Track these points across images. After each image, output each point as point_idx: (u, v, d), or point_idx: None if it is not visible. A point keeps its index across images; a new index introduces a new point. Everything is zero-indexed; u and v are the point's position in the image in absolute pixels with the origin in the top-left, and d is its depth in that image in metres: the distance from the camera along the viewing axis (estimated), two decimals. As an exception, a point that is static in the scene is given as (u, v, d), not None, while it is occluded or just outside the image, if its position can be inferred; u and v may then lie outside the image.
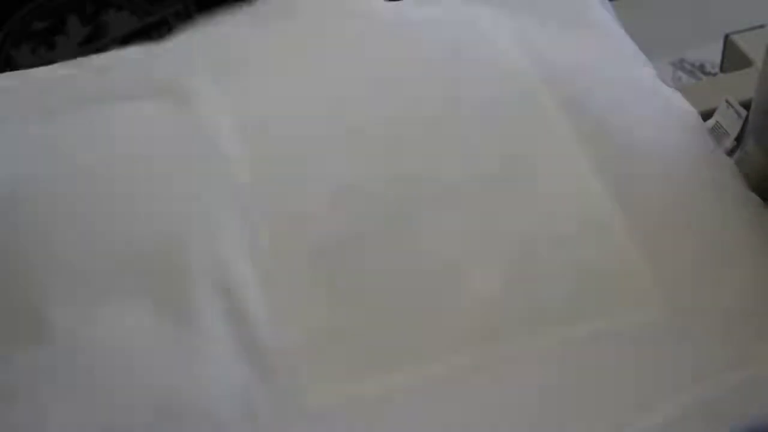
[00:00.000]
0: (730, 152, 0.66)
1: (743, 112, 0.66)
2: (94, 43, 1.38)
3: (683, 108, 0.67)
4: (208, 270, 0.57)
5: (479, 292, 0.57)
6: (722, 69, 0.84)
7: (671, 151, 0.64)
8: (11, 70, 0.77)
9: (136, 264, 0.58)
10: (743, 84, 0.73)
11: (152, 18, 1.36)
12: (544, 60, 0.69)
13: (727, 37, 0.81)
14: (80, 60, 0.71)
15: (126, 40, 1.13)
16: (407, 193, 0.60)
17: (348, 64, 0.68)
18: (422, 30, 0.71)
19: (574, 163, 0.63)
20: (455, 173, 0.62)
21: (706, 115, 0.68)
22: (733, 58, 0.81)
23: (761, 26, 0.82)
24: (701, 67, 1.09)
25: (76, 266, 0.58)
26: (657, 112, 0.66)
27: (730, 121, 0.67)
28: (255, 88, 0.66)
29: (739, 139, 0.66)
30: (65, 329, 0.56)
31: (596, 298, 0.57)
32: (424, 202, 0.60)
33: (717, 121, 0.67)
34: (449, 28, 0.71)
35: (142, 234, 0.59)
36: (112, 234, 0.59)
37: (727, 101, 0.67)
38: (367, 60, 0.69)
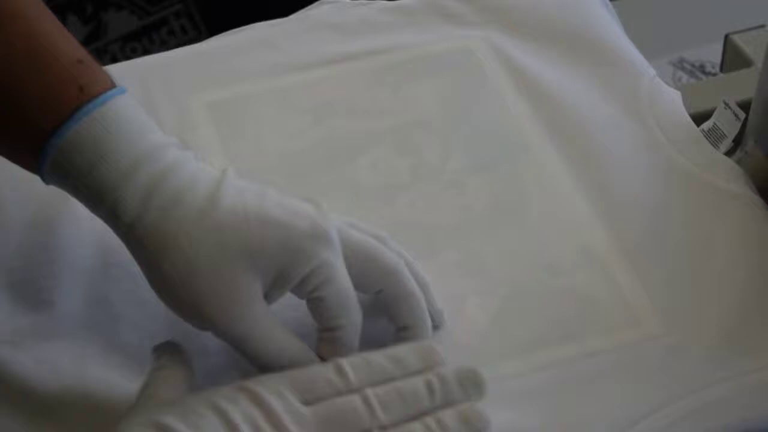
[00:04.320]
0: (728, 153, 0.66)
1: (741, 114, 0.66)
2: (94, 43, 1.38)
3: (672, 123, 0.68)
4: None
5: (476, 319, 0.58)
6: (722, 69, 0.84)
7: (657, 169, 0.65)
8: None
9: None
10: (743, 84, 0.73)
11: (152, 18, 1.36)
12: (530, 83, 0.71)
13: (727, 37, 0.81)
14: None
15: (126, 40, 1.13)
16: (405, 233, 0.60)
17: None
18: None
19: (561, 188, 0.64)
20: (451, 213, 0.63)
21: (705, 116, 0.68)
22: (733, 58, 0.81)
23: (761, 26, 0.82)
24: (701, 67, 1.09)
25: None
26: (643, 133, 0.67)
27: (728, 122, 0.67)
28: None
29: (737, 140, 0.66)
30: None
31: (589, 321, 0.57)
32: (420, 236, 0.61)
33: (715, 123, 0.67)
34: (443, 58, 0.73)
35: None
36: None
37: (725, 102, 0.67)
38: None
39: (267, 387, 0.47)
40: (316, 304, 0.52)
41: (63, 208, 0.63)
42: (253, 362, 0.52)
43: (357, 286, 0.53)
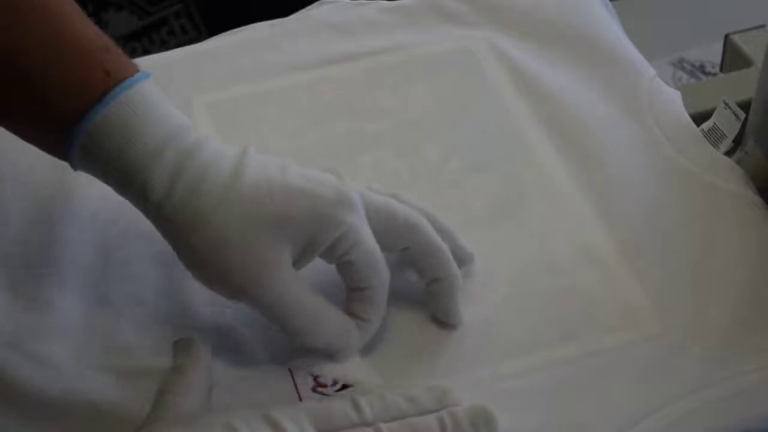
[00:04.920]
0: (728, 153, 0.66)
1: (741, 114, 0.66)
2: (94, 43, 1.38)
3: (672, 123, 0.68)
4: None
5: (476, 319, 0.57)
6: (722, 69, 0.84)
7: (657, 169, 0.65)
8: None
9: None
10: (743, 84, 0.73)
11: (152, 18, 1.36)
12: (530, 83, 0.71)
13: (727, 37, 0.81)
14: None
15: (127, 40, 1.14)
16: None
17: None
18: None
19: (561, 188, 0.64)
20: (451, 213, 0.62)
21: (705, 116, 0.68)
22: (733, 58, 0.81)
23: (761, 26, 0.82)
24: (701, 67, 1.09)
25: None
26: (643, 133, 0.67)
27: (728, 122, 0.67)
28: None
29: (737, 140, 0.66)
30: None
31: (589, 321, 0.57)
32: None
33: (715, 123, 0.67)
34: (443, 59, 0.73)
35: None
36: None
37: (725, 102, 0.67)
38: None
39: (285, 414, 0.48)
40: (345, 267, 0.54)
41: (63, 207, 0.63)
42: (286, 331, 0.54)
43: (382, 245, 0.55)
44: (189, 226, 0.52)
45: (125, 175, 0.53)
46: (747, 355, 0.55)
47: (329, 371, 0.55)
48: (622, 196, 0.63)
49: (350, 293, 0.55)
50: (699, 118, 0.68)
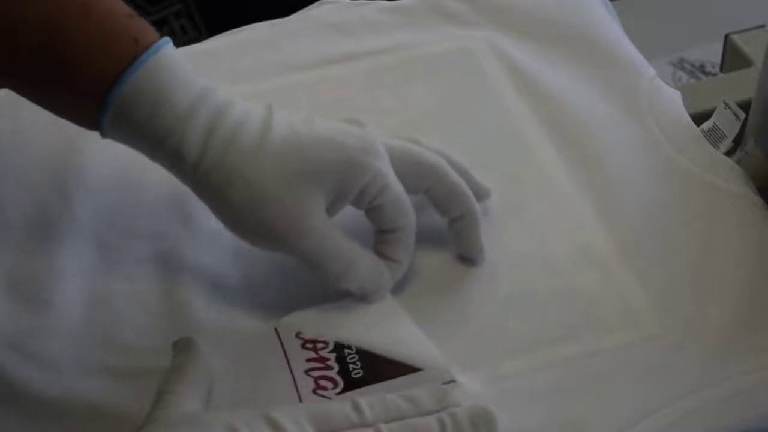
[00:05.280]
0: (728, 153, 0.66)
1: (741, 114, 0.66)
2: (94, 43, 1.38)
3: (672, 123, 0.68)
4: None
5: (479, 318, 0.58)
6: (722, 69, 0.84)
7: (657, 169, 0.65)
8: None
9: None
10: (743, 84, 0.73)
11: (152, 18, 1.36)
12: (530, 83, 0.71)
13: (727, 37, 0.81)
14: None
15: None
16: None
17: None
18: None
19: (561, 188, 0.64)
20: None
21: (705, 116, 0.68)
22: (733, 58, 0.81)
23: (761, 26, 0.82)
24: (701, 67, 1.09)
25: None
26: (643, 133, 0.67)
27: (728, 122, 0.67)
28: None
29: (737, 140, 0.66)
30: None
31: (589, 321, 0.57)
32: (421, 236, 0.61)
33: (715, 123, 0.67)
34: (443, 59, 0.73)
35: None
36: None
37: (725, 102, 0.67)
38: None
39: (285, 415, 0.48)
40: (374, 212, 0.57)
41: (63, 209, 0.63)
42: (324, 276, 0.56)
43: (406, 188, 0.57)
44: (225, 183, 0.54)
45: (158, 138, 0.54)
46: (747, 355, 0.55)
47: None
48: (622, 196, 0.63)
49: (379, 236, 0.58)
50: (699, 118, 0.68)
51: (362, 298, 0.57)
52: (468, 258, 0.60)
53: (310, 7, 0.79)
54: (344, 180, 0.55)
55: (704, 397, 0.53)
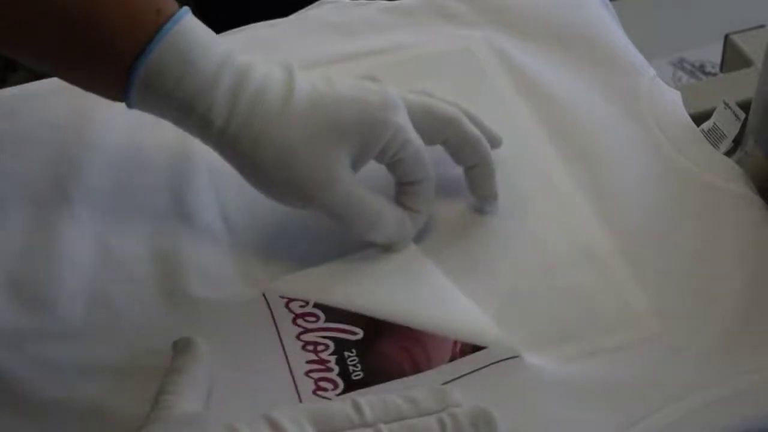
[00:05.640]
0: (728, 153, 0.66)
1: (741, 114, 0.66)
2: (95, 43, 1.38)
3: (672, 123, 0.67)
4: None
5: (476, 317, 0.57)
6: (722, 69, 0.84)
7: (657, 169, 0.65)
8: (11, 69, 0.77)
9: None
10: (743, 84, 0.73)
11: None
12: (529, 82, 0.71)
13: (727, 37, 0.81)
14: None
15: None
16: None
17: None
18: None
19: (561, 188, 0.64)
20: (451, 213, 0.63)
21: (705, 116, 0.68)
22: (733, 58, 0.81)
23: (761, 26, 0.82)
24: (701, 67, 1.09)
25: None
26: (643, 133, 0.67)
27: (728, 122, 0.67)
28: None
29: (737, 140, 0.66)
30: None
31: (589, 321, 0.57)
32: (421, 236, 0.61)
33: (715, 123, 0.67)
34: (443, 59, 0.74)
35: None
36: None
37: (725, 102, 0.67)
38: None
39: (286, 415, 0.48)
40: (396, 165, 0.59)
41: (63, 208, 0.63)
42: (351, 230, 0.58)
43: (424, 140, 0.59)
44: (252, 146, 0.56)
45: (185, 105, 0.55)
46: (747, 355, 0.55)
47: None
48: (622, 196, 0.63)
49: (401, 188, 0.60)
50: (699, 118, 0.68)
51: (387, 248, 0.59)
52: (482, 210, 0.62)
53: (310, 7, 0.79)
54: (367, 136, 0.57)
55: (704, 397, 0.53)
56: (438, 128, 0.60)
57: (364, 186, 0.58)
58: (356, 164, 0.58)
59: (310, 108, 0.56)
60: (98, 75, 0.56)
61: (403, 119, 0.58)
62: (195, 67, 0.55)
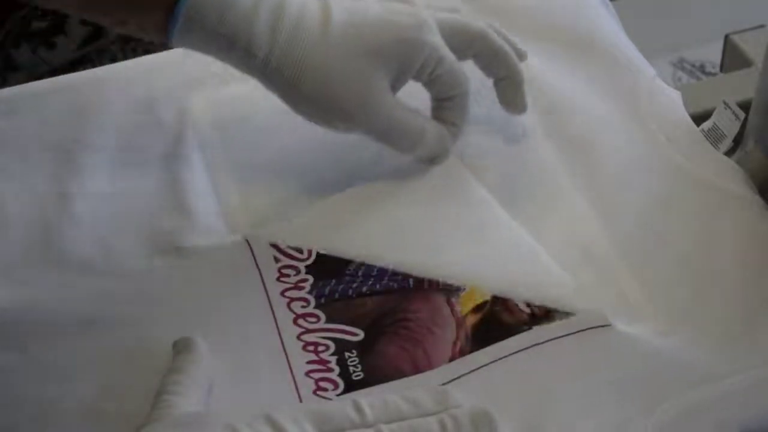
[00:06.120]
0: (728, 153, 0.66)
1: (741, 114, 0.66)
2: (94, 43, 1.38)
3: (672, 123, 0.68)
4: None
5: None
6: (722, 69, 0.84)
7: (657, 169, 0.65)
8: (11, 69, 0.77)
9: None
10: (743, 84, 0.73)
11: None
12: (529, 82, 0.70)
13: (727, 37, 0.81)
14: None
15: (126, 40, 1.13)
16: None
17: None
18: None
19: (561, 188, 0.64)
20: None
21: (705, 116, 0.68)
22: (733, 58, 0.81)
23: (761, 26, 0.82)
24: (701, 67, 1.09)
25: None
26: (643, 133, 0.67)
27: (727, 122, 0.67)
28: None
29: (737, 140, 0.66)
30: None
31: (589, 321, 0.57)
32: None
33: (715, 123, 0.67)
34: None
35: None
36: None
37: (724, 103, 0.67)
38: None
39: (286, 415, 0.48)
40: (433, 83, 0.62)
41: (62, 209, 0.63)
42: (396, 147, 0.61)
43: (456, 55, 0.62)
44: (295, 74, 0.58)
45: (227, 41, 0.58)
46: (746, 353, 0.55)
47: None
48: (622, 196, 0.63)
49: (438, 103, 0.63)
50: (699, 118, 0.68)
51: (428, 161, 0.63)
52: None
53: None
54: (404, 57, 0.59)
55: (704, 396, 0.53)
56: (468, 43, 0.63)
57: (405, 105, 0.61)
58: (395, 85, 0.60)
59: (348, 34, 0.59)
60: (141, 19, 0.59)
61: (436, 38, 0.60)
62: (234, 3, 0.57)
